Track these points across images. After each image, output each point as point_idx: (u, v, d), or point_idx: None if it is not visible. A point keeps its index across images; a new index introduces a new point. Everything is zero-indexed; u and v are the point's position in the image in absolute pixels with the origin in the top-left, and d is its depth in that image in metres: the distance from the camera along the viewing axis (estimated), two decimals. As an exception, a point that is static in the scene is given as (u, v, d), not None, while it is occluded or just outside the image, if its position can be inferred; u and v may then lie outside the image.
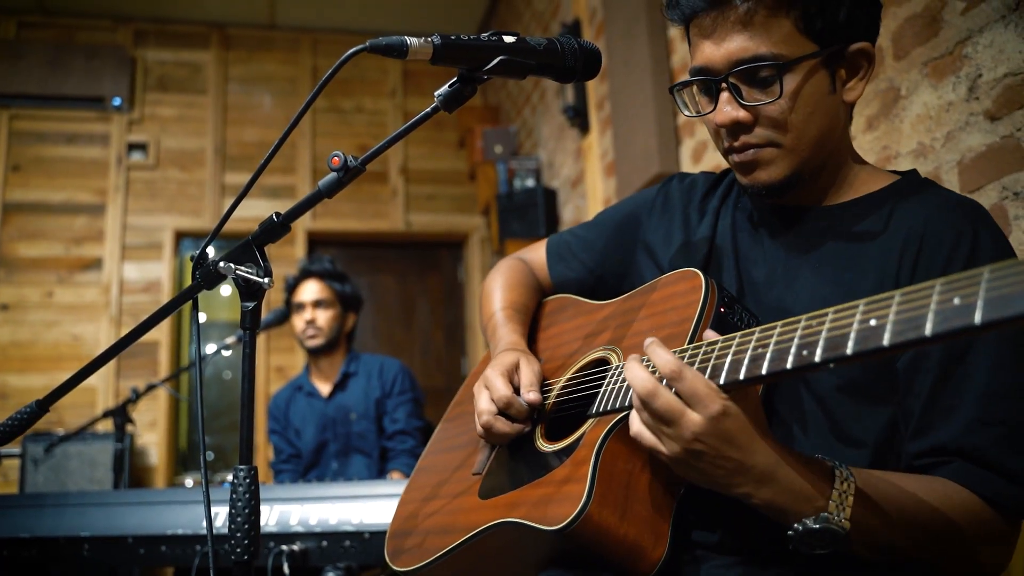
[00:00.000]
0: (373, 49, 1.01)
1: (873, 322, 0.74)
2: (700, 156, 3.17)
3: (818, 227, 1.20)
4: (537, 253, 1.58)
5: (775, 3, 1.08)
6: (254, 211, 5.72)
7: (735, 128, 1.14)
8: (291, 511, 2.09)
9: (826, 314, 0.82)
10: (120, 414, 3.19)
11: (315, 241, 6.27)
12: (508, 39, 1.09)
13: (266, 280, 1.14)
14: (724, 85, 1.12)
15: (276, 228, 1.16)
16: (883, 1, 2.19)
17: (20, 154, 5.88)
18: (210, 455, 5.89)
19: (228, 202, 6.08)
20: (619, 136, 3.74)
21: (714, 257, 1.30)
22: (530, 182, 5.26)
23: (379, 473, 3.34)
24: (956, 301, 0.66)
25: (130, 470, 3.85)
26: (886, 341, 0.72)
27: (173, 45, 6.35)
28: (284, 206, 5.53)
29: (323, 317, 3.42)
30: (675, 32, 3.36)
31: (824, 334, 0.80)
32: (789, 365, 0.82)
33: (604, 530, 1.01)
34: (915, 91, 2.07)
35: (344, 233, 6.20)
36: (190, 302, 1.24)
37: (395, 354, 6.23)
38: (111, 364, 5.59)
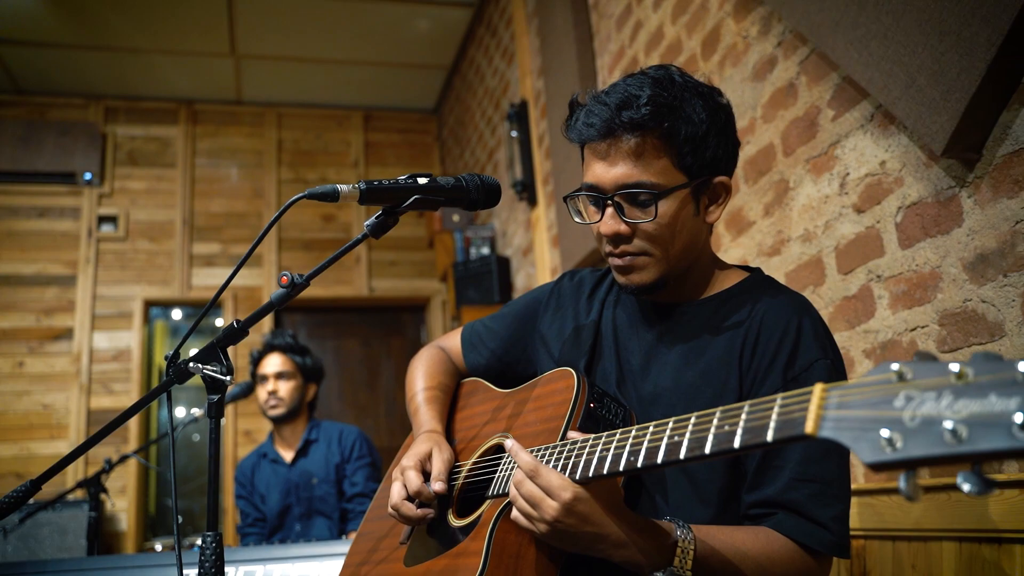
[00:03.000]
0: (310, 196, 1.27)
1: (676, 438, 1.00)
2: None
3: (682, 320, 1.46)
4: (453, 341, 1.81)
5: (658, 142, 1.34)
6: (223, 280, 5.95)
7: (616, 238, 1.39)
8: (256, 571, 2.29)
9: (648, 427, 1.08)
10: (94, 484, 3.35)
11: (282, 308, 6.45)
12: (422, 180, 1.36)
13: (228, 378, 1.37)
14: (610, 202, 1.37)
15: (236, 332, 1.40)
16: (773, 103, 2.51)
17: (-8, 229, 6.07)
18: (180, 518, 6.00)
19: (196, 271, 6.30)
20: (561, 212, 4.03)
21: (599, 346, 1.55)
22: (485, 250, 5.52)
23: (340, 533, 3.52)
24: (726, 428, 0.92)
25: (100, 536, 4.00)
26: (682, 455, 0.98)
27: (143, 121, 6.61)
28: (251, 274, 5.69)
29: (285, 388, 3.61)
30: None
31: (645, 444, 1.05)
32: (621, 468, 1.07)
33: None
34: (800, 184, 2.37)
35: (310, 299, 6.41)
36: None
37: (360, 415, 6.44)
38: (81, 431, 5.73)
